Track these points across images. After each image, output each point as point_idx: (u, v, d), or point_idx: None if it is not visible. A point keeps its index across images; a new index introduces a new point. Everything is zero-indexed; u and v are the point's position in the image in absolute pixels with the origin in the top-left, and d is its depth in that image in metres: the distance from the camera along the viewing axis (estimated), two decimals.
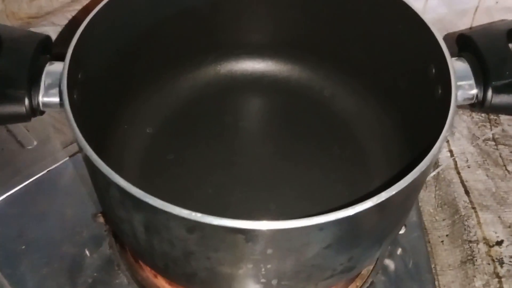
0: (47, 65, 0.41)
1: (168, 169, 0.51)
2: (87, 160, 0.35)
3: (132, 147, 0.52)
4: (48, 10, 0.65)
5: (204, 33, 0.55)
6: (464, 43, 0.44)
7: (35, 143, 0.57)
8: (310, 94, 0.57)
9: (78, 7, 0.64)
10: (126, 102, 0.52)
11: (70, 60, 0.39)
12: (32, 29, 0.67)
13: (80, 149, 0.37)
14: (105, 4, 0.43)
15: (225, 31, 0.55)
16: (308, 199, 0.50)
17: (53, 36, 0.68)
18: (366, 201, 0.33)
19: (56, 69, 0.41)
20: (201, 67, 0.57)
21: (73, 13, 0.65)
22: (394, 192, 0.34)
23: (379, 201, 0.34)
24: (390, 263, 0.50)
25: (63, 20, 0.65)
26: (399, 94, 0.50)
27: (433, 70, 0.43)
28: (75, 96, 0.40)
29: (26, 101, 0.38)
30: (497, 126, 0.67)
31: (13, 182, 0.54)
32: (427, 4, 0.66)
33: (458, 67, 0.42)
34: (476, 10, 0.68)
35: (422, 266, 0.50)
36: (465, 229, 0.58)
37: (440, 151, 0.36)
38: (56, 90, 0.40)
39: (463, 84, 0.41)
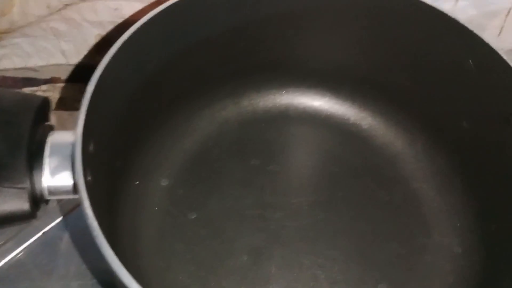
0: (49, 137, 0.32)
1: (191, 232, 0.43)
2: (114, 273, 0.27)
3: (147, 207, 0.44)
4: (21, 25, 0.56)
5: (220, 61, 0.46)
6: None
7: None
8: (346, 127, 0.49)
9: (56, 17, 0.55)
10: (135, 152, 0.44)
11: (84, 131, 0.31)
12: (3, 42, 0.57)
13: (102, 254, 0.28)
14: (118, 50, 0.34)
15: (243, 57, 0.47)
16: (360, 262, 0.42)
17: (27, 49, 0.59)
18: None
19: (61, 141, 0.32)
20: (218, 99, 0.49)
21: (50, 24, 0.55)
22: None
23: None
24: None
25: (38, 31, 0.56)
26: (459, 133, 0.43)
27: None
28: (88, 176, 0.32)
29: (29, 195, 0.29)
30: None
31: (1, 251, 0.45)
32: (457, 5, 0.60)
33: None
34: (509, 12, 0.62)
35: None
36: None
37: None
38: (65, 174, 0.31)
39: None
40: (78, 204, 0.48)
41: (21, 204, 0.29)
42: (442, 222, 0.44)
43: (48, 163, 0.31)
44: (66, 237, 0.47)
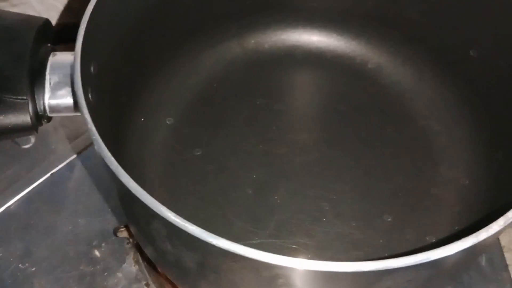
0: (50, 57, 0.32)
1: (197, 167, 0.43)
2: (120, 184, 0.27)
3: (153, 144, 0.44)
4: None
5: None
6: None
7: (32, 140, 0.48)
8: (352, 67, 0.49)
9: None
10: (141, 89, 0.44)
11: (82, 50, 0.31)
12: (14, 1, 0.57)
13: (109, 170, 0.28)
14: None
15: None
16: (366, 195, 0.42)
17: (38, 7, 0.59)
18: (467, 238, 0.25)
19: (62, 61, 0.32)
20: (224, 39, 0.48)
21: None
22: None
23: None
24: None
25: None
26: (468, 63, 0.42)
27: None
28: (89, 95, 0.32)
29: (30, 108, 0.30)
30: None
31: (11, 190, 0.46)
32: None
33: None
34: None
35: (497, 263, 0.44)
36: None
37: None
38: (66, 90, 0.31)
39: None
40: (86, 146, 0.49)
41: (23, 116, 0.29)
42: (449, 156, 0.43)
43: (49, 79, 0.31)
44: (74, 177, 0.48)
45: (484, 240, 0.25)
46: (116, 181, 0.27)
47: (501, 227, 0.25)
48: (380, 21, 0.47)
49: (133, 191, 0.26)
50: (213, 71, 0.48)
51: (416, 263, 0.24)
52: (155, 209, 0.25)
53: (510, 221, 0.26)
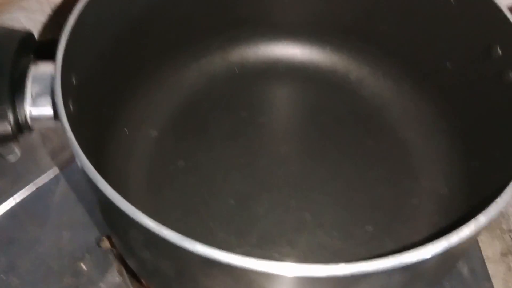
0: (32, 67, 0.33)
1: (180, 179, 0.44)
2: (99, 192, 0.27)
3: (136, 156, 0.44)
4: None
5: (210, 13, 0.47)
6: None
7: (18, 154, 0.49)
8: (334, 80, 0.50)
9: None
10: (124, 102, 0.44)
11: (63, 61, 0.31)
12: (1, 16, 0.58)
13: (88, 178, 0.29)
14: None
15: (233, 9, 0.47)
16: (347, 206, 0.43)
17: (26, 23, 0.60)
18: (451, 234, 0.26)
19: (43, 72, 0.33)
20: (207, 53, 0.49)
21: None
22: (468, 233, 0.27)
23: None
24: None
25: (35, 5, 0.56)
26: (443, 75, 0.43)
27: (499, 51, 0.36)
28: (70, 106, 0.32)
29: (11, 117, 0.30)
30: None
31: None
32: None
33: None
34: None
35: (479, 273, 0.44)
36: (503, 217, 0.53)
37: None
38: (46, 100, 0.32)
39: None
40: (71, 161, 0.49)
41: (3, 124, 0.29)
42: (428, 166, 0.44)
43: (30, 89, 0.32)
44: (59, 191, 0.48)
45: (457, 244, 0.26)
46: (93, 187, 0.27)
47: (472, 230, 0.26)
48: (358, 36, 0.48)
49: (110, 197, 0.26)
50: (197, 84, 0.49)
51: (389, 267, 0.25)
52: (130, 215, 0.25)
53: (481, 225, 0.26)
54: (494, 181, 0.33)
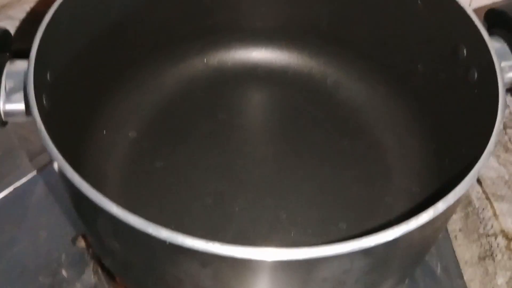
0: (7, 64, 0.33)
1: (157, 179, 0.44)
2: (68, 181, 0.28)
3: (114, 156, 0.45)
4: (3, 3, 0.57)
5: (189, 18, 0.48)
6: (496, 18, 0.38)
7: None
8: (311, 84, 0.50)
9: None
10: (103, 103, 0.45)
11: (36, 57, 0.32)
12: None
13: (58, 169, 0.29)
14: None
15: (212, 14, 0.48)
16: (321, 204, 0.43)
17: (12, 31, 0.61)
18: (420, 214, 0.27)
19: (18, 68, 0.33)
20: (187, 57, 0.50)
21: (32, 5, 0.57)
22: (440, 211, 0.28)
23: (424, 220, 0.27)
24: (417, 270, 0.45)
25: (21, 13, 0.57)
26: (415, 78, 0.44)
27: (464, 51, 0.37)
28: (44, 101, 0.33)
29: None
30: None
31: None
32: None
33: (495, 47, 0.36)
34: None
35: (452, 272, 0.45)
36: (480, 222, 0.53)
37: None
38: (20, 95, 0.32)
39: (504, 66, 0.35)
40: (49, 162, 0.50)
41: None
42: (402, 166, 0.45)
43: (4, 84, 0.32)
44: (37, 192, 0.48)
45: (416, 230, 0.27)
46: (62, 177, 0.28)
47: (430, 216, 0.27)
48: (334, 40, 0.49)
49: (77, 185, 0.27)
50: (176, 87, 0.50)
51: (349, 250, 0.25)
52: (97, 202, 0.26)
53: (439, 211, 0.27)
54: (461, 176, 0.33)
